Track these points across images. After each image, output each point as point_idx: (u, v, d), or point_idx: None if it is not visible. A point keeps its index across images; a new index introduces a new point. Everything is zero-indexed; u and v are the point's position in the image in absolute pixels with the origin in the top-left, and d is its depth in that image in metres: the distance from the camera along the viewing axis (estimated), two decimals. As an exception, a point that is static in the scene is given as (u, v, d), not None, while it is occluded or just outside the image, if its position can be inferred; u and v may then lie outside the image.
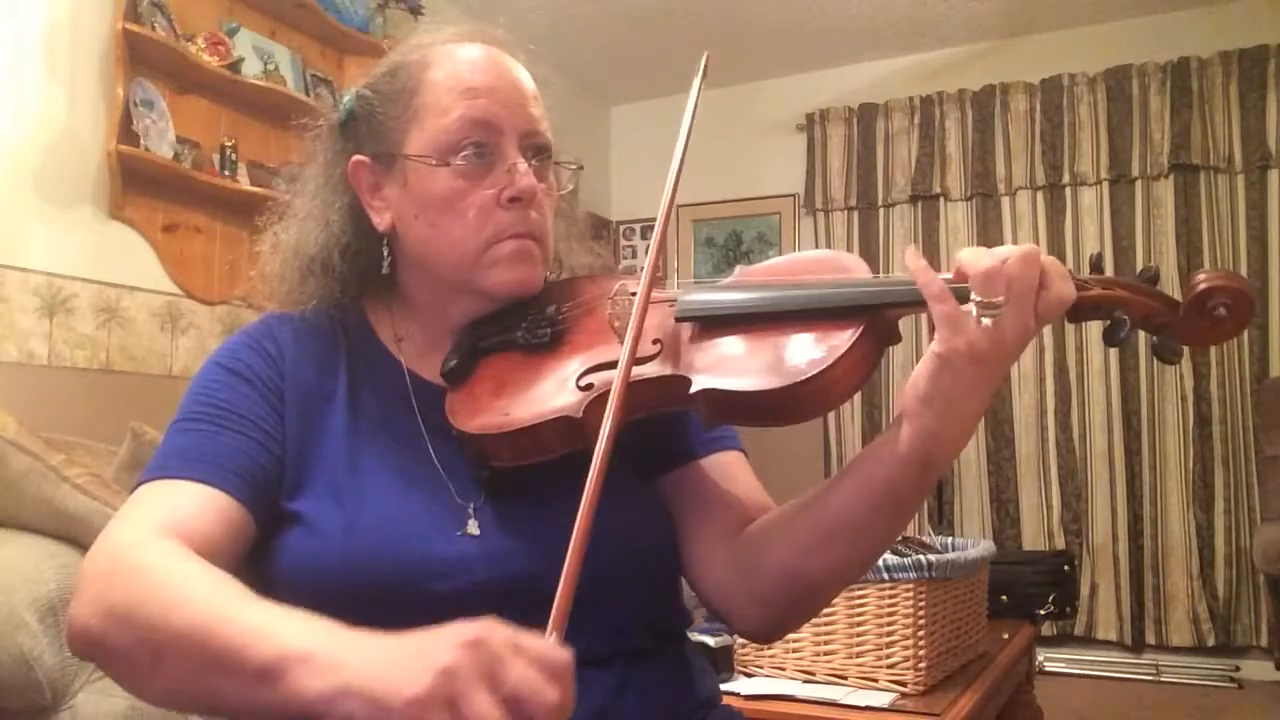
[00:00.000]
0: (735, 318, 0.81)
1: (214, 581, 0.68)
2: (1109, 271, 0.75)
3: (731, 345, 0.79)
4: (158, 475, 0.79)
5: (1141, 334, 0.75)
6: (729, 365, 0.78)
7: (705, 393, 0.77)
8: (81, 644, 0.70)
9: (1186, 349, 0.76)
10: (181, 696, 0.68)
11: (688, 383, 0.78)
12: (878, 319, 0.76)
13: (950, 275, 0.73)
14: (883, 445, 0.77)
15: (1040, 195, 4.28)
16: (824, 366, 0.73)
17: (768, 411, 0.76)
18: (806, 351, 0.75)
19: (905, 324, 0.82)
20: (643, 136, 4.97)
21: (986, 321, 0.69)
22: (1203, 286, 0.71)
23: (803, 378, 0.73)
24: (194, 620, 0.64)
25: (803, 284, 0.80)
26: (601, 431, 0.69)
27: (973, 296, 0.70)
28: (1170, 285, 3.93)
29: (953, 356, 0.70)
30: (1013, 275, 0.69)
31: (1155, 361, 4.05)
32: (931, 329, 0.71)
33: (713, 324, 0.81)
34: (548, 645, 0.58)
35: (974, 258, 0.71)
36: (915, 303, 0.74)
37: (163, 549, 0.71)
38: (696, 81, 0.86)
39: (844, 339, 0.74)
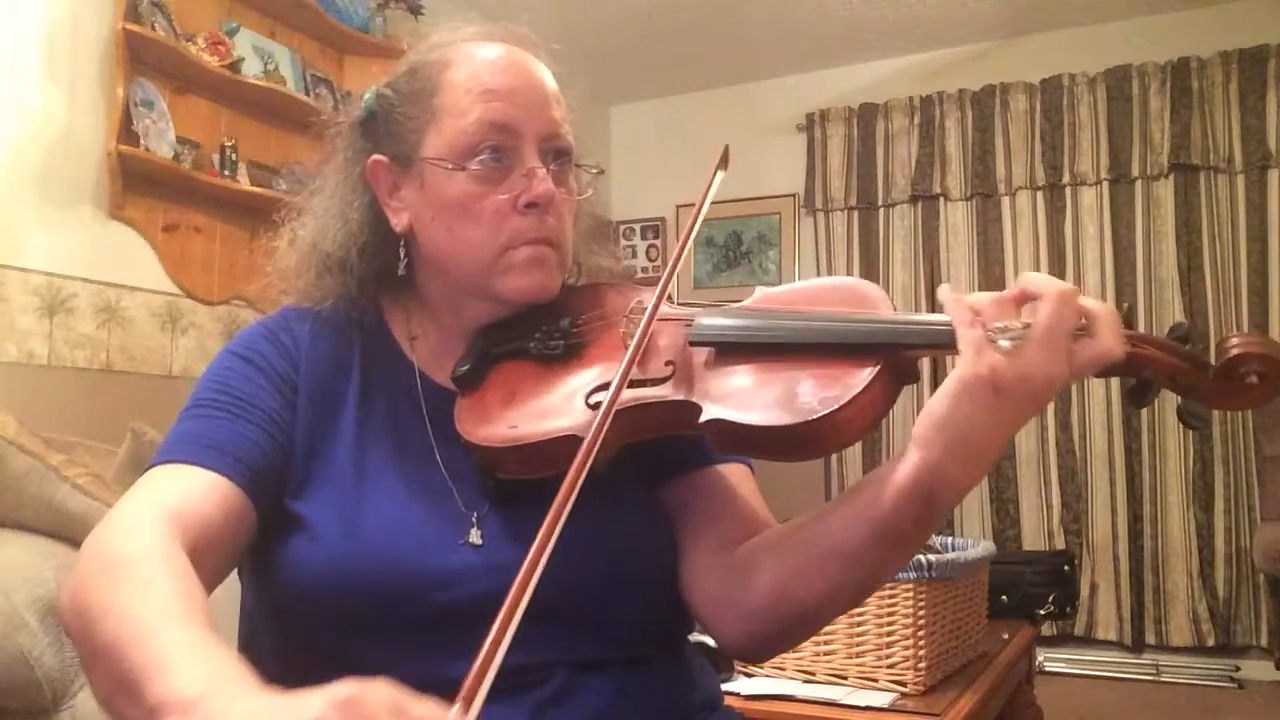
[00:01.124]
0: (750, 346, 0.79)
1: (164, 593, 0.64)
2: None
3: (745, 375, 0.77)
4: (165, 459, 0.79)
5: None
6: (741, 396, 0.76)
7: (715, 423, 0.75)
8: (59, 617, 0.70)
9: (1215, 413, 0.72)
10: (107, 707, 0.65)
11: (698, 410, 0.76)
12: (896, 358, 0.74)
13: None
14: (886, 473, 0.74)
15: (1040, 195, 4.28)
16: (837, 405, 0.71)
17: (778, 447, 0.75)
18: (821, 388, 0.73)
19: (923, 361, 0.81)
20: (643, 136, 4.98)
21: (1005, 344, 0.67)
22: (1235, 352, 0.69)
23: (815, 416, 0.71)
24: (120, 634, 0.62)
25: (822, 316, 0.78)
26: (580, 452, 0.68)
27: (986, 324, 0.68)
28: (1171, 287, 3.95)
29: (974, 381, 0.67)
30: (1043, 312, 0.67)
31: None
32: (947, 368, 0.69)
33: (728, 351, 0.79)
34: (439, 712, 0.51)
35: (981, 294, 0.70)
36: (935, 345, 0.72)
37: (148, 542, 0.69)
38: (716, 175, 0.84)
39: (860, 378, 0.72)
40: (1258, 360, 0.68)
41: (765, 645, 0.87)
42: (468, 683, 0.55)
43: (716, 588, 0.85)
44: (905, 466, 0.71)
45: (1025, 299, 0.69)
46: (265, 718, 0.52)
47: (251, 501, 0.79)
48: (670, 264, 0.82)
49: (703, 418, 0.76)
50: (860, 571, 0.77)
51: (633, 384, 0.77)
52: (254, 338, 0.89)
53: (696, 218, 0.85)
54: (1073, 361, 0.68)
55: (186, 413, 0.83)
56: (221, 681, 0.57)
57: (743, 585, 0.83)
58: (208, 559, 0.73)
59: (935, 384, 0.72)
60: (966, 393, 0.68)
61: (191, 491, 0.76)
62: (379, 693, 0.50)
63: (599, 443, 0.69)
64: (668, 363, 0.80)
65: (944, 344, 0.71)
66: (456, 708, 0.52)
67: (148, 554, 0.69)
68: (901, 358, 0.74)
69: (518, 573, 0.78)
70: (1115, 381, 4.06)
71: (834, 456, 4.46)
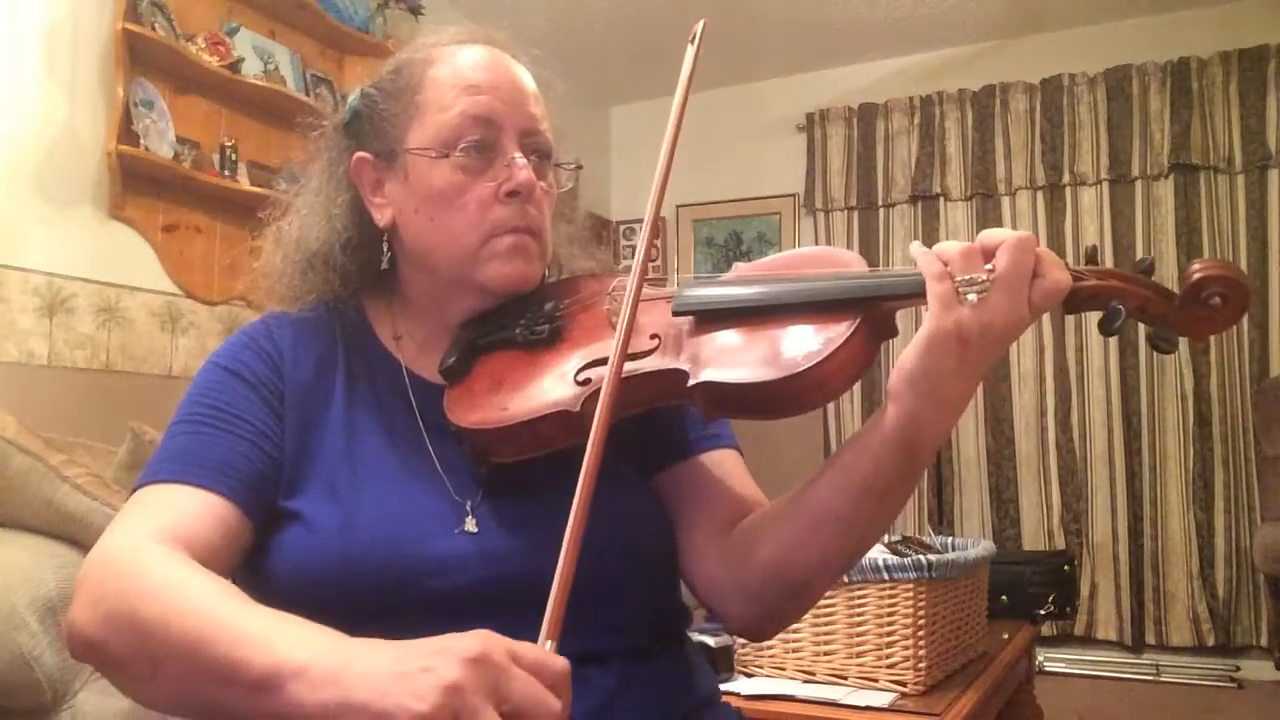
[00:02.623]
0: (732, 311, 0.81)
1: (209, 587, 0.68)
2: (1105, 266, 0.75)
3: (729, 339, 0.79)
4: (155, 479, 0.80)
5: (1136, 325, 0.75)
6: (726, 358, 0.78)
7: (703, 386, 0.77)
8: (81, 648, 0.70)
9: (1183, 340, 0.76)
10: (182, 704, 0.67)
11: (685, 376, 0.78)
12: (874, 311, 0.76)
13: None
14: (867, 430, 0.77)
15: (1040, 195, 4.28)
16: (821, 358, 0.73)
17: (765, 404, 0.76)
18: (803, 344, 0.75)
19: (902, 317, 0.82)
20: (643, 136, 4.97)
21: (972, 298, 0.69)
22: (1198, 276, 0.72)
23: (799, 369, 0.74)
24: (190, 628, 0.64)
25: (800, 277, 0.80)
26: (593, 430, 0.69)
27: (955, 276, 0.70)
28: (1169, 284, 3.95)
29: (941, 335, 0.70)
30: (1004, 260, 0.70)
31: (1155, 361, 4.07)
32: None
33: (710, 318, 0.81)
34: (545, 654, 0.58)
35: (950, 243, 0.72)
36: (910, 294, 0.74)
37: (159, 553, 0.71)
38: (691, 50, 0.85)
39: (840, 331, 0.74)
40: (1219, 282, 0.71)
41: (769, 621, 0.89)
42: (546, 621, 0.61)
43: (717, 570, 0.87)
44: (883, 421, 0.74)
45: (988, 253, 0.72)
46: (397, 675, 0.56)
47: (246, 515, 0.80)
48: (651, 206, 0.81)
49: (690, 382, 0.77)
50: (853, 532, 0.80)
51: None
52: (237, 348, 0.90)
53: (681, 111, 0.84)
54: (1030, 302, 0.71)
55: (174, 428, 0.84)
56: (327, 642, 0.61)
57: (742, 564, 0.85)
58: None
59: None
60: (934, 346, 0.71)
61: (185, 510, 0.77)
62: (496, 644, 0.56)
63: (610, 409, 0.71)
64: (653, 335, 0.82)
65: (919, 293, 0.73)
66: (546, 643, 0.60)
67: (165, 562, 0.70)
68: (879, 310, 0.77)
69: (514, 559, 0.80)
70: (1115, 383, 4.07)
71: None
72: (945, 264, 0.71)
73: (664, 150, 0.82)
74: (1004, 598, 2.44)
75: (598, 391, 0.75)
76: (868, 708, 1.49)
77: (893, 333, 0.78)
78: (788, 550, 0.82)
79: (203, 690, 0.64)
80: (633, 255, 5.00)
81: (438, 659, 0.55)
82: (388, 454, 0.86)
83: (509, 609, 0.74)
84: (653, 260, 5.03)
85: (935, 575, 1.57)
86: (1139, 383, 4.07)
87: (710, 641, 1.56)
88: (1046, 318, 3.91)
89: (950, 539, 1.98)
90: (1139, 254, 4.09)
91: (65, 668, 1.56)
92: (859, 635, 1.59)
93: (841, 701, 1.51)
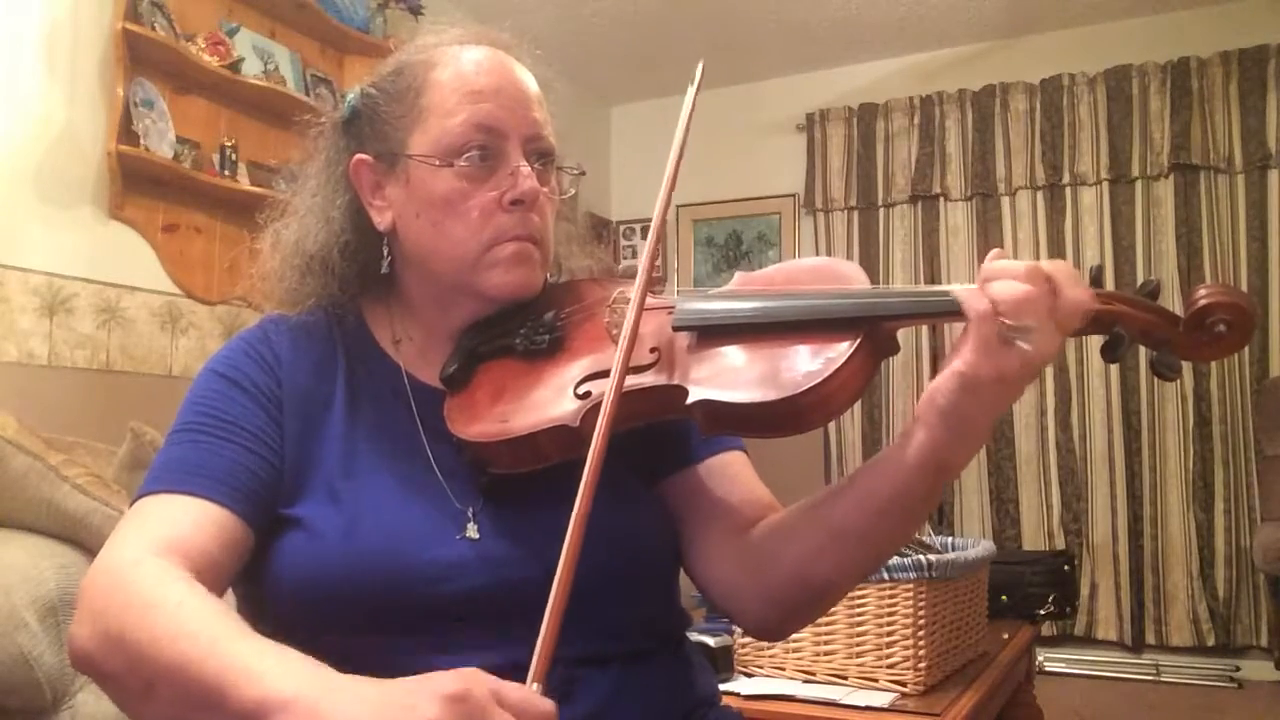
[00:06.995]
0: (733, 327, 0.80)
1: (204, 609, 0.68)
2: (1109, 275, 0.74)
3: (729, 356, 0.79)
4: (156, 489, 0.79)
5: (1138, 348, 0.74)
6: (726, 376, 0.77)
7: (702, 403, 0.76)
8: (80, 664, 0.71)
9: (1185, 365, 0.75)
10: None
11: (684, 393, 0.77)
12: (876, 331, 0.75)
13: (973, 287, 0.70)
14: (895, 454, 0.76)
15: (1040, 195, 4.28)
16: (821, 379, 0.73)
17: (765, 423, 0.76)
18: (804, 363, 0.75)
19: (904, 334, 0.82)
20: (643, 136, 4.97)
21: (1026, 346, 0.67)
22: (1204, 302, 0.70)
23: (800, 390, 0.73)
24: (181, 652, 0.64)
25: (801, 294, 0.79)
26: (593, 444, 0.69)
27: (1003, 320, 0.68)
28: (1170, 287, 3.96)
29: (979, 380, 0.69)
30: (1037, 301, 0.68)
31: (1155, 361, 4.05)
32: (931, 333, 0.71)
33: (710, 333, 0.81)
34: (530, 695, 0.58)
35: (1011, 283, 0.68)
36: (913, 315, 0.74)
37: (158, 570, 0.71)
38: (691, 91, 0.83)
39: (842, 351, 0.74)
40: (1226, 309, 0.70)
41: (785, 624, 0.91)
42: (535, 663, 0.61)
43: (734, 575, 0.88)
44: (912, 447, 0.74)
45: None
46: (376, 713, 0.56)
47: (246, 525, 0.80)
48: (656, 218, 0.81)
49: (689, 400, 0.77)
50: (874, 546, 0.81)
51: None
52: (235, 355, 0.89)
53: (680, 150, 0.83)
54: (1059, 326, 0.70)
55: (173, 437, 0.83)
56: (312, 677, 0.61)
57: (760, 571, 0.86)
58: (206, 586, 0.74)
59: (917, 353, 0.74)
60: (971, 388, 0.69)
61: (185, 521, 0.77)
62: (480, 684, 0.55)
63: (610, 425, 0.70)
64: (652, 349, 0.81)
65: (921, 315, 0.73)
66: (533, 685, 0.59)
67: (162, 580, 0.70)
68: (880, 329, 0.76)
69: (514, 566, 0.80)
70: (1115, 383, 4.07)
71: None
72: (994, 304, 0.68)
73: (661, 196, 0.80)
74: (1004, 598, 2.44)
75: (597, 406, 0.75)
76: (868, 708, 1.49)
77: (894, 350, 0.78)
78: (809, 562, 0.83)
79: (192, 715, 0.64)
80: (633, 255, 4.98)
81: (419, 697, 0.55)
82: (388, 459, 0.86)
83: (509, 615, 0.74)
84: (653, 260, 5.04)
85: (935, 575, 1.57)
86: (1139, 383, 4.07)
87: (710, 641, 1.56)
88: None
89: (950, 539, 1.98)
90: (1139, 254, 4.09)
91: (65, 668, 1.56)
92: (859, 635, 1.59)
93: (841, 701, 1.51)
